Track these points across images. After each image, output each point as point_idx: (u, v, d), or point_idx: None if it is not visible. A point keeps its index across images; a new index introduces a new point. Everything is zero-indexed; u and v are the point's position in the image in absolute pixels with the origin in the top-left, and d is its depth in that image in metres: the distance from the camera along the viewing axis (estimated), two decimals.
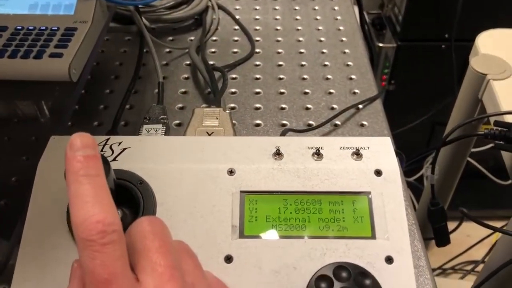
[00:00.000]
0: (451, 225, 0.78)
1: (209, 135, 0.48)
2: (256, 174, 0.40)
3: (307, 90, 0.65)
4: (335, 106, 0.62)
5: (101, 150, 0.42)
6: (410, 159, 1.27)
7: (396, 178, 0.41)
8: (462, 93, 0.73)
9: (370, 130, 0.59)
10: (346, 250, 0.38)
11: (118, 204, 0.38)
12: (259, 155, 0.42)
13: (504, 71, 0.65)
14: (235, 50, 0.73)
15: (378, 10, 1.37)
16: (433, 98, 1.30)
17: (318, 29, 0.77)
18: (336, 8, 0.82)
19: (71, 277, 0.30)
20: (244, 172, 0.40)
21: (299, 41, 0.75)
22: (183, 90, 0.65)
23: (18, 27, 0.58)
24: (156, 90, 0.61)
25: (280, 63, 0.70)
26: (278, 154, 0.41)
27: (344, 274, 0.36)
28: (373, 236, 0.38)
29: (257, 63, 0.70)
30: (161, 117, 0.53)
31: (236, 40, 0.75)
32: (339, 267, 0.36)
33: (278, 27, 0.78)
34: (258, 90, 0.65)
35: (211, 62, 0.68)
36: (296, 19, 0.80)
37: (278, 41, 0.75)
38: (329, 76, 0.67)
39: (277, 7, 0.82)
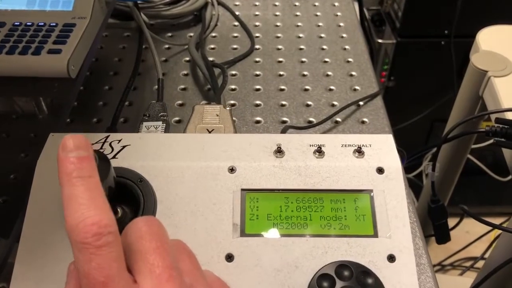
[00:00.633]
0: (450, 222, 0.78)
1: (210, 132, 0.48)
2: (257, 171, 0.40)
3: (307, 87, 0.65)
4: (335, 103, 0.62)
5: (101, 148, 0.41)
6: (409, 156, 1.27)
7: (398, 176, 0.40)
8: (463, 90, 0.73)
9: (371, 127, 0.59)
10: (348, 248, 0.37)
11: (118, 202, 0.38)
12: (260, 152, 0.41)
13: (505, 67, 0.65)
14: (235, 46, 0.72)
15: (378, 6, 1.37)
16: (433, 94, 1.30)
17: (318, 26, 0.77)
18: (336, 4, 0.82)
19: (67, 279, 0.29)
20: (245, 170, 0.40)
21: (299, 37, 0.74)
22: (182, 86, 0.65)
23: (16, 23, 0.57)
24: (156, 87, 0.61)
25: (280, 59, 0.70)
26: (279, 151, 0.41)
27: (346, 273, 0.35)
28: (375, 235, 0.38)
29: (257, 59, 0.70)
30: (161, 114, 0.52)
31: (236, 36, 0.74)
32: (341, 266, 0.36)
33: (278, 23, 0.77)
34: (258, 86, 0.65)
35: (210, 59, 0.68)
36: (296, 15, 0.79)
37: (278, 37, 0.74)
38: (329, 73, 0.67)
39: (277, 3, 0.82)
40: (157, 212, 0.38)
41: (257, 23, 0.77)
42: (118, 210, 0.38)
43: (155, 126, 0.50)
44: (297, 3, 0.82)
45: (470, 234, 1.33)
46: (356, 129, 0.58)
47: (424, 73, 1.29)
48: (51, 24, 0.56)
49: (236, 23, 0.77)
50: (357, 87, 0.65)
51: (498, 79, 0.64)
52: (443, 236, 0.70)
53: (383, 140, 0.42)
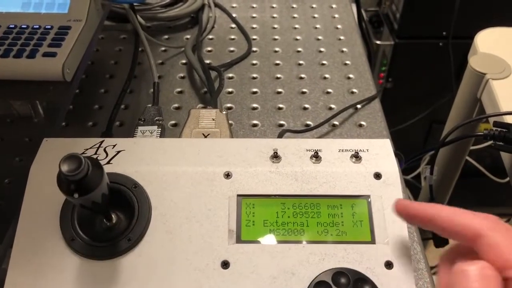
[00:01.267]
0: None
1: (205, 136, 0.47)
2: (253, 177, 0.40)
3: (304, 90, 0.64)
4: (333, 106, 0.62)
5: (95, 153, 0.41)
6: (407, 157, 1.26)
7: (395, 181, 0.40)
8: (461, 93, 0.72)
9: (369, 131, 0.58)
10: (345, 255, 0.37)
11: (112, 208, 0.37)
12: (256, 157, 0.41)
13: (503, 70, 0.65)
14: (232, 48, 0.72)
15: (376, 7, 1.37)
16: (431, 95, 1.29)
17: (316, 28, 0.76)
18: (333, 6, 0.81)
19: None
20: (241, 175, 0.40)
21: (297, 39, 0.74)
22: (179, 89, 0.64)
23: (11, 26, 0.57)
24: (152, 90, 0.60)
25: (278, 62, 0.69)
26: (275, 156, 0.41)
27: (343, 280, 0.35)
28: (372, 241, 0.38)
29: (254, 62, 0.69)
30: (156, 118, 0.52)
31: (233, 39, 0.74)
32: (338, 273, 0.35)
33: (275, 26, 0.77)
34: (255, 89, 0.64)
35: (207, 61, 0.68)
36: (294, 17, 0.79)
37: (275, 39, 0.74)
38: (327, 75, 0.67)
39: (274, 5, 0.81)
40: (151, 218, 0.38)
41: (254, 25, 0.77)
42: (113, 216, 0.38)
43: (151, 131, 0.49)
44: (294, 5, 0.81)
45: None
46: (353, 133, 0.58)
47: (422, 74, 1.28)
48: (46, 27, 0.56)
49: (233, 25, 0.76)
50: (354, 90, 0.64)
51: (496, 81, 0.64)
52: (441, 240, 0.70)
53: (380, 145, 0.42)
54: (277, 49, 0.72)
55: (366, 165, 0.41)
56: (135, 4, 0.66)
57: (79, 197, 0.31)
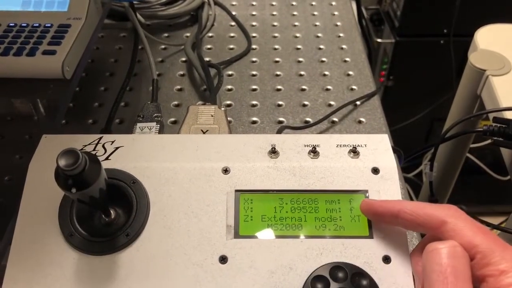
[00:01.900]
0: None
1: (204, 133, 0.47)
2: (251, 172, 0.40)
3: (304, 87, 0.64)
4: (332, 102, 0.62)
5: (94, 149, 0.41)
6: (408, 155, 1.26)
7: (393, 176, 0.40)
8: (461, 89, 0.72)
9: (368, 127, 0.58)
10: (343, 249, 0.37)
11: (111, 204, 0.38)
12: (254, 153, 0.41)
13: (503, 66, 0.65)
14: (232, 46, 0.72)
15: (376, 5, 1.36)
16: (432, 93, 1.29)
17: (315, 25, 0.76)
18: (333, 3, 0.81)
19: None
20: (239, 171, 0.40)
21: (296, 37, 0.74)
22: (178, 87, 0.64)
23: (11, 24, 0.57)
24: (151, 87, 0.60)
25: (277, 59, 0.69)
26: (273, 152, 0.41)
27: (340, 275, 0.35)
28: (370, 235, 0.38)
29: (254, 59, 0.69)
30: (155, 115, 0.52)
31: (233, 36, 0.74)
32: (336, 267, 0.35)
33: (275, 23, 0.77)
34: (254, 86, 0.64)
35: (207, 59, 0.68)
36: (293, 15, 0.79)
37: (275, 37, 0.74)
38: (326, 73, 0.67)
39: (274, 3, 0.81)
40: (150, 214, 0.38)
41: (254, 23, 0.77)
42: (111, 212, 0.38)
43: (149, 127, 0.50)
44: (294, 3, 0.81)
45: None
46: (353, 129, 0.58)
47: (423, 72, 1.28)
48: (46, 25, 0.56)
49: (233, 23, 0.76)
50: (354, 87, 0.64)
51: (496, 78, 0.64)
52: None
53: (378, 140, 0.42)
54: (276, 46, 0.72)
55: (364, 160, 0.41)
56: (134, 2, 0.67)
57: (76, 192, 0.31)
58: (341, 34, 0.74)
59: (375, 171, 0.40)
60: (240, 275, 0.36)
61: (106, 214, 0.37)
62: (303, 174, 0.40)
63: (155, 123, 0.50)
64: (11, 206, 0.47)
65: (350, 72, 0.67)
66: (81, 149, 0.39)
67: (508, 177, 1.26)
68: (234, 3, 0.81)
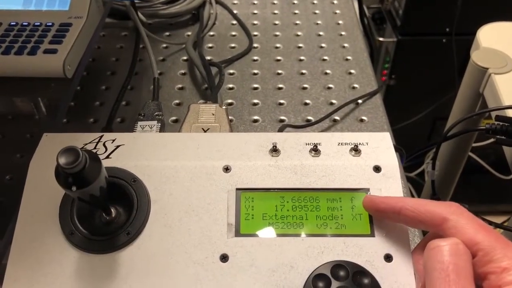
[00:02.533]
0: None
1: (205, 131, 0.47)
2: (252, 171, 0.40)
3: (305, 85, 0.64)
4: (334, 101, 0.62)
5: (94, 148, 0.41)
6: (411, 154, 1.26)
7: (395, 174, 0.40)
8: (463, 87, 0.72)
9: (370, 126, 0.58)
10: (344, 248, 0.37)
11: (111, 202, 0.37)
12: (255, 151, 0.41)
13: (505, 64, 0.64)
14: (233, 45, 0.72)
15: (378, 4, 1.36)
16: (434, 92, 1.29)
17: (317, 23, 0.76)
18: (335, 2, 0.81)
19: None
20: (240, 169, 0.40)
21: (298, 35, 0.74)
22: (180, 86, 0.64)
23: (12, 23, 0.57)
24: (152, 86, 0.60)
25: (278, 58, 0.69)
26: (274, 150, 0.41)
27: (342, 273, 0.35)
28: (372, 234, 0.37)
29: (255, 58, 0.69)
30: (156, 113, 0.52)
31: (234, 35, 0.74)
32: (337, 266, 0.35)
33: (277, 22, 0.77)
34: (256, 85, 0.64)
35: (208, 58, 0.68)
36: (295, 13, 0.79)
37: (276, 35, 0.74)
38: (328, 71, 0.66)
39: (275, 1, 0.81)
40: (151, 212, 0.38)
41: (255, 22, 0.77)
42: (112, 210, 0.38)
43: (150, 126, 0.49)
44: (295, 1, 0.81)
45: None
46: (354, 128, 0.58)
47: (426, 71, 1.28)
48: (48, 24, 0.56)
49: (234, 22, 0.76)
50: (356, 85, 0.64)
51: (498, 76, 0.63)
52: None
53: (380, 138, 0.42)
54: (278, 45, 0.72)
55: (365, 158, 0.40)
56: (136, 1, 0.67)
57: (77, 190, 0.31)
58: (342, 33, 0.74)
59: (377, 169, 0.40)
60: (241, 273, 0.36)
61: (107, 213, 0.37)
62: (305, 173, 0.40)
63: (156, 121, 0.50)
64: (11, 205, 0.47)
65: (352, 71, 0.66)
66: (82, 148, 0.39)
67: (511, 176, 1.26)
68: (235, 1, 0.81)
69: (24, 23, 0.57)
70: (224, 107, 0.50)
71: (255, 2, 0.81)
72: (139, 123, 0.50)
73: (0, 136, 0.58)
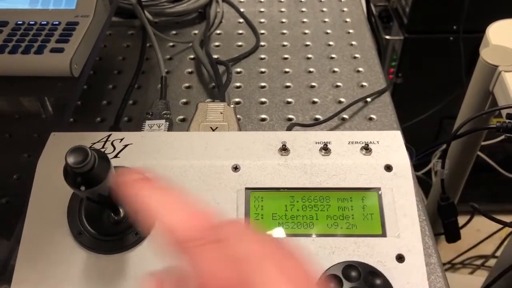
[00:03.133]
0: (461, 220, 0.77)
1: (213, 130, 0.47)
2: (261, 170, 0.39)
3: (313, 84, 0.64)
4: (342, 99, 0.61)
5: (103, 147, 0.41)
6: (418, 153, 1.25)
7: (407, 173, 0.39)
8: (472, 86, 0.71)
9: (379, 124, 0.57)
10: (356, 248, 0.36)
11: (119, 203, 0.37)
12: (265, 150, 0.40)
13: None
14: (240, 43, 0.71)
15: (385, 2, 1.35)
16: (441, 91, 1.28)
17: (325, 21, 0.76)
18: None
19: None
20: (249, 168, 0.39)
21: (305, 33, 0.73)
22: (187, 84, 0.64)
23: (19, 22, 0.57)
24: (160, 85, 0.60)
25: (286, 56, 0.69)
26: (284, 149, 0.40)
27: (353, 274, 0.34)
28: (383, 234, 0.37)
29: (262, 56, 0.69)
30: (164, 112, 0.51)
31: (241, 33, 0.73)
32: (349, 266, 0.35)
33: (284, 20, 0.76)
34: (263, 84, 0.64)
35: (215, 56, 0.67)
36: (302, 11, 0.78)
37: (283, 33, 0.73)
38: (336, 69, 0.66)
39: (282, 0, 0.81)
40: None
41: (262, 20, 0.76)
42: (121, 210, 0.37)
43: (158, 125, 0.49)
44: None
45: (481, 232, 1.31)
46: (363, 126, 0.57)
47: (433, 69, 1.27)
48: (54, 23, 0.56)
49: (241, 20, 0.76)
50: (364, 84, 0.63)
51: (509, 73, 0.62)
52: (453, 235, 0.69)
53: (391, 136, 0.41)
54: (285, 43, 0.71)
55: (376, 157, 0.40)
56: None
57: (85, 190, 0.31)
58: (350, 31, 0.73)
59: (388, 168, 0.39)
60: None
61: (115, 213, 0.37)
62: (315, 172, 0.39)
63: (164, 120, 0.50)
64: (19, 205, 0.47)
65: (360, 69, 0.66)
66: (90, 147, 0.38)
67: None
68: (242, 0, 0.81)
69: (30, 22, 0.57)
70: (232, 105, 0.50)
71: (262, 0, 0.81)
72: (147, 122, 0.49)
73: (7, 136, 0.58)
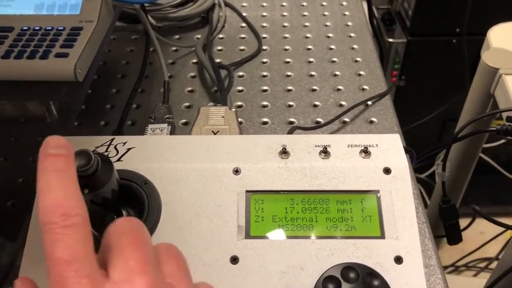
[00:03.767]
0: (463, 222, 0.77)
1: (215, 133, 0.48)
2: (262, 173, 0.40)
3: (315, 87, 0.64)
4: (343, 103, 0.61)
5: (106, 150, 0.41)
6: (421, 156, 1.25)
7: (405, 176, 0.40)
8: (474, 88, 0.71)
9: (380, 127, 0.58)
10: (355, 250, 0.37)
11: (122, 205, 0.38)
12: (265, 153, 0.41)
13: None
14: (242, 47, 0.72)
15: (388, 5, 1.36)
16: (444, 93, 1.28)
17: (326, 25, 0.76)
18: (344, 3, 0.81)
19: None
20: (249, 171, 0.40)
21: (307, 37, 0.74)
22: (189, 88, 0.65)
23: (24, 28, 0.58)
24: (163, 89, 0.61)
25: (288, 60, 0.69)
26: (284, 152, 0.41)
27: (352, 275, 0.35)
28: (382, 236, 0.37)
29: (264, 60, 0.69)
30: (167, 116, 0.52)
31: (243, 38, 0.74)
32: (347, 268, 0.35)
33: (286, 24, 0.77)
34: (265, 87, 0.64)
35: (218, 60, 0.68)
36: (304, 15, 0.79)
37: (285, 38, 0.74)
38: (337, 73, 0.66)
39: (284, 4, 0.81)
40: (161, 214, 0.38)
41: (264, 24, 0.77)
42: (123, 213, 0.38)
43: (161, 129, 0.50)
44: (304, 3, 0.81)
45: (485, 234, 1.31)
46: (364, 129, 0.58)
47: (436, 72, 1.27)
48: (59, 28, 0.57)
49: (243, 24, 0.77)
50: (365, 87, 0.64)
51: (509, 76, 0.63)
52: (454, 237, 0.69)
53: (390, 139, 0.42)
54: (287, 47, 0.72)
55: (375, 160, 0.40)
56: (146, 4, 0.67)
57: (89, 193, 0.31)
58: (352, 34, 0.74)
59: (387, 171, 0.40)
60: (251, 275, 0.36)
61: (118, 215, 0.38)
62: (314, 175, 0.40)
63: (166, 124, 0.51)
64: (24, 208, 0.48)
65: (361, 72, 0.66)
66: (94, 151, 0.39)
67: None
68: (244, 4, 0.82)
69: (36, 28, 0.57)
70: (233, 109, 0.51)
71: (264, 4, 0.81)
72: (150, 126, 0.50)
73: (12, 139, 0.59)
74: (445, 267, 1.34)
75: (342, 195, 0.39)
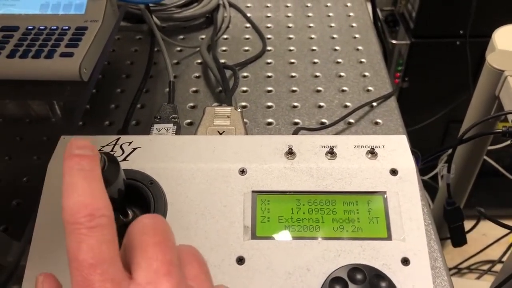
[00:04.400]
0: (467, 224, 0.77)
1: (220, 134, 0.47)
2: (268, 173, 0.40)
3: (319, 88, 0.64)
4: (348, 104, 0.61)
5: (112, 150, 0.41)
6: (424, 158, 1.25)
7: (412, 177, 0.40)
8: (479, 90, 0.71)
9: (385, 128, 0.58)
10: (361, 251, 0.37)
11: (128, 204, 0.38)
12: (271, 154, 0.41)
13: None
14: (247, 48, 0.72)
15: (391, 7, 1.36)
16: (448, 95, 1.28)
17: (331, 26, 0.76)
18: (348, 4, 0.81)
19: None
20: (255, 172, 0.40)
21: (311, 38, 0.74)
22: (194, 89, 0.65)
23: (29, 27, 0.58)
24: (167, 89, 0.61)
25: (292, 60, 0.69)
26: (290, 153, 0.41)
27: (359, 276, 0.35)
28: (388, 237, 0.37)
29: (269, 61, 0.69)
30: (172, 116, 0.52)
31: (248, 38, 0.74)
32: (354, 269, 0.35)
33: (290, 25, 0.77)
34: (270, 88, 0.64)
35: (222, 61, 0.68)
36: (308, 16, 0.79)
37: (290, 38, 0.74)
38: (342, 74, 0.66)
39: (288, 4, 0.81)
40: (167, 214, 0.38)
41: (269, 25, 0.77)
42: (129, 212, 0.38)
43: (166, 128, 0.50)
44: (309, 4, 0.81)
45: (488, 236, 1.31)
46: (369, 130, 0.58)
47: (439, 73, 1.27)
48: (64, 28, 0.57)
49: (248, 25, 0.76)
50: (370, 88, 0.64)
51: None
52: (459, 239, 0.69)
53: (396, 141, 0.42)
54: (291, 48, 0.72)
55: (382, 161, 0.40)
56: (150, 4, 0.67)
57: None
58: (356, 35, 0.74)
59: (394, 172, 0.40)
60: (257, 276, 0.36)
61: (124, 215, 0.38)
62: (321, 175, 0.40)
63: (172, 124, 0.50)
64: (29, 207, 0.48)
65: (366, 73, 0.66)
66: (99, 150, 0.39)
67: None
68: (249, 5, 0.82)
69: (41, 27, 0.57)
70: (239, 109, 0.51)
71: (269, 5, 0.81)
72: (155, 125, 0.50)
73: (18, 139, 0.59)
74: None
75: (349, 196, 0.39)
